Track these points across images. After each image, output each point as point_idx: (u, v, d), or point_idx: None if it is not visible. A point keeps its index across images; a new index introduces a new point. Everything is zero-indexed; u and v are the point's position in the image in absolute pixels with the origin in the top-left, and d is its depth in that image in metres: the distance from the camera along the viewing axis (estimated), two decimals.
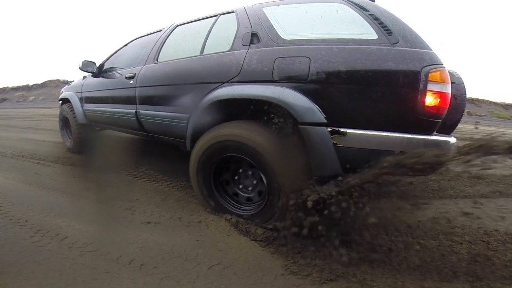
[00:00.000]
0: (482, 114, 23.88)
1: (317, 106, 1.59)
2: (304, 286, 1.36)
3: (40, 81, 27.28)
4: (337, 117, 1.57)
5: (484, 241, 1.79)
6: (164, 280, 1.37)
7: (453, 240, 1.79)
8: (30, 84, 27.29)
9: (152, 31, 3.12)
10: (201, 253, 1.57)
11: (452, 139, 1.50)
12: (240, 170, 2.00)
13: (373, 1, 1.84)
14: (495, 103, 27.73)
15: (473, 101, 25.70)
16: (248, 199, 1.99)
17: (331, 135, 1.56)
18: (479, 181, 3.08)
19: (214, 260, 1.52)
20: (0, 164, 3.32)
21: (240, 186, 2.03)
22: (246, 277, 1.41)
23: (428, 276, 1.44)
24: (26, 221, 1.88)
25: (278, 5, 2.09)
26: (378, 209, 1.54)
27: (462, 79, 2.44)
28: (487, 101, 27.46)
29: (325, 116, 1.58)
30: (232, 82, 1.92)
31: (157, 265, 1.47)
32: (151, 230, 1.82)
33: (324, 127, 1.58)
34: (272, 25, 1.95)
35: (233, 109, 1.96)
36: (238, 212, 1.95)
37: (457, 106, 2.32)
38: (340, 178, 1.54)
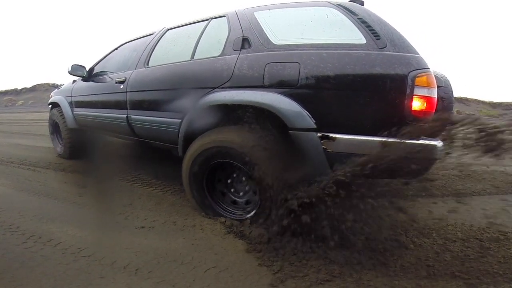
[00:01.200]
0: (471, 113, 24.25)
1: (306, 112, 1.62)
2: (301, 287, 1.37)
3: (29, 85, 26.86)
4: (326, 122, 1.59)
5: (477, 238, 1.82)
6: (160, 284, 1.37)
7: (447, 238, 1.82)
8: (19, 88, 26.85)
9: (142, 35, 3.11)
10: (197, 257, 1.58)
11: (439, 143, 1.52)
12: (234, 175, 2.01)
13: (362, 5, 1.87)
14: (483, 102, 28.18)
15: (462, 100, 26.09)
16: (242, 203, 2.01)
17: (321, 140, 1.58)
18: (470, 179, 3.15)
19: (210, 263, 1.52)
20: None
21: (233, 191, 2.04)
22: (242, 279, 1.41)
23: (423, 274, 1.46)
24: (18, 227, 1.87)
25: (269, 9, 2.10)
26: (372, 208, 1.56)
27: (449, 82, 2.49)
28: (475, 100, 27.87)
29: (314, 121, 1.60)
30: (223, 88, 1.93)
31: (152, 269, 1.47)
32: (145, 235, 1.82)
33: (314, 133, 1.60)
34: (263, 30, 1.96)
35: (225, 115, 1.96)
36: (232, 216, 1.96)
37: (444, 108, 2.36)
38: (323, 179, 1.55)
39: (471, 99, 27.56)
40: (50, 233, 1.81)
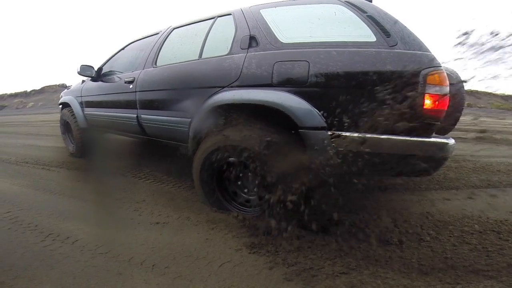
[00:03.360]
0: (482, 105, 24.02)
1: (317, 110, 1.61)
2: (317, 280, 1.37)
3: (38, 87, 27.30)
4: (337, 121, 1.58)
5: (494, 230, 1.81)
6: (177, 279, 1.39)
7: (463, 230, 1.80)
8: (28, 90, 27.29)
9: (148, 34, 3.13)
10: (212, 252, 1.60)
11: (450, 141, 1.51)
12: (245, 173, 2.02)
13: (371, 1, 1.83)
14: (494, 95, 27.82)
15: (473, 93, 25.78)
16: (253, 200, 2.01)
17: (331, 138, 1.58)
18: (485, 171, 3.12)
19: (224, 258, 1.54)
20: (5, 171, 3.37)
21: (243, 188, 2.05)
22: (257, 273, 1.42)
23: (441, 267, 1.45)
24: (36, 226, 1.92)
25: (275, 7, 2.09)
26: (386, 201, 1.55)
27: (461, 78, 2.48)
28: (487, 93, 27.48)
29: (325, 120, 1.60)
30: (232, 87, 1.93)
31: (168, 265, 1.50)
32: (160, 230, 1.85)
33: (324, 131, 1.60)
34: (270, 28, 1.95)
35: (234, 114, 1.96)
36: (243, 212, 1.98)
37: (456, 105, 2.35)
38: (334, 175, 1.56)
39: (482, 92, 27.21)
40: (67, 231, 1.85)
